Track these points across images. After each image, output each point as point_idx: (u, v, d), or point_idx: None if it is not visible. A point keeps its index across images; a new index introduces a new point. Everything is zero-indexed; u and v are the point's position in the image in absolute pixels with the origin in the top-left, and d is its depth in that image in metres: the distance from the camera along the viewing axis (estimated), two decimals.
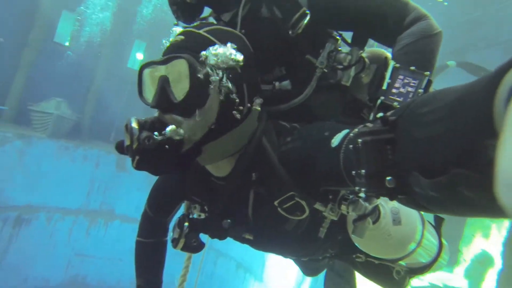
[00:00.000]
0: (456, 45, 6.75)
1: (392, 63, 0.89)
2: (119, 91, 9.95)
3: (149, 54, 11.01)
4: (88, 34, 9.89)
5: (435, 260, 0.98)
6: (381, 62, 1.01)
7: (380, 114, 0.59)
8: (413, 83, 0.84)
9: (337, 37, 1.03)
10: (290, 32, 0.97)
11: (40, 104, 8.31)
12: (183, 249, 0.99)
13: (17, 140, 7.57)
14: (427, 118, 0.43)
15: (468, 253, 5.60)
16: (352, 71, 0.99)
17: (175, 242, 0.97)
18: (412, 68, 0.85)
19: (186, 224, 0.96)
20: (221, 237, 1.05)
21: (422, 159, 0.43)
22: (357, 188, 0.56)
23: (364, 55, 1.02)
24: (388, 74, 0.88)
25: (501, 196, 0.24)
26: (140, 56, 11.70)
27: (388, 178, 0.48)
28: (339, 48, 1.00)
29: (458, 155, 0.37)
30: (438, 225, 0.97)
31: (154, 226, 1.30)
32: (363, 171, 0.52)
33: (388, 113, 0.53)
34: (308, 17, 0.95)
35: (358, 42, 1.01)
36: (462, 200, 0.38)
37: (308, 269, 1.54)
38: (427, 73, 0.84)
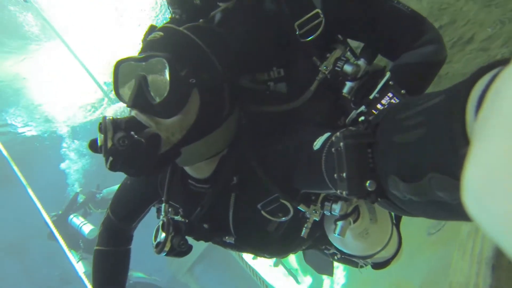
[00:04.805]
0: None
1: (388, 75, 0.84)
2: None
3: None
4: None
5: (396, 254, 1.02)
6: (378, 69, 0.93)
7: (362, 118, 0.56)
8: None
9: (346, 43, 0.94)
10: (296, 32, 0.85)
11: None
12: (168, 253, 0.92)
13: None
14: (406, 123, 0.43)
15: None
16: (356, 84, 0.90)
17: (160, 246, 0.90)
18: (403, 91, 0.81)
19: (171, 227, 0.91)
20: (207, 238, 1.00)
21: (400, 163, 0.43)
22: (338, 191, 0.56)
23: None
24: (379, 85, 0.83)
25: (467, 203, 0.24)
26: None
27: (368, 181, 0.48)
28: (348, 56, 0.91)
29: (434, 160, 0.37)
30: (397, 221, 1.03)
31: (118, 233, 1.17)
32: (345, 174, 0.51)
33: (370, 117, 0.53)
34: (323, 22, 0.85)
35: (367, 55, 0.92)
36: (439, 204, 0.38)
37: None
38: None
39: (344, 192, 0.53)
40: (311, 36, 0.85)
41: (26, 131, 7.56)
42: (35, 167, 7.07)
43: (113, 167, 0.68)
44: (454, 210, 0.36)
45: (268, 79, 0.91)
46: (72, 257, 3.30)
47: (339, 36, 0.94)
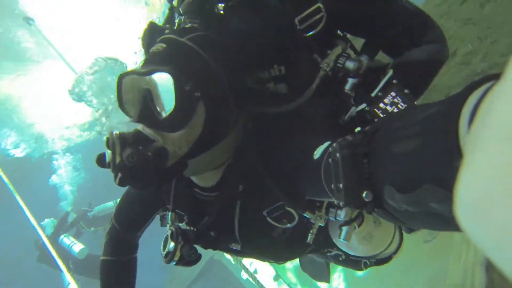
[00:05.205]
0: None
1: (390, 72, 0.81)
2: None
3: None
4: None
5: (397, 249, 1.04)
6: (380, 65, 0.89)
7: (358, 128, 0.56)
8: (401, 105, 0.79)
9: (347, 39, 0.91)
10: (298, 27, 0.82)
11: None
12: (178, 263, 0.91)
13: None
14: (402, 134, 0.43)
15: None
16: (358, 80, 0.86)
17: (169, 256, 0.89)
18: (406, 91, 0.79)
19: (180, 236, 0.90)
20: (215, 246, 0.99)
21: (396, 173, 0.43)
22: (336, 201, 0.56)
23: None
24: (382, 83, 0.81)
25: (459, 217, 0.25)
26: None
27: (364, 192, 0.48)
28: (349, 52, 0.88)
29: (429, 171, 0.37)
30: None
31: (123, 242, 1.16)
32: (341, 184, 0.52)
33: (367, 127, 0.54)
34: (324, 17, 0.82)
35: (369, 51, 0.88)
36: (435, 215, 0.38)
37: None
38: (416, 102, 0.80)
39: (341, 203, 0.53)
40: (311, 31, 0.83)
41: (18, 152, 7.43)
42: (26, 184, 6.95)
43: (122, 183, 0.69)
44: (449, 222, 0.35)
45: (269, 78, 0.88)
46: (69, 275, 3.23)
47: (339, 32, 0.91)
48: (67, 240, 4.84)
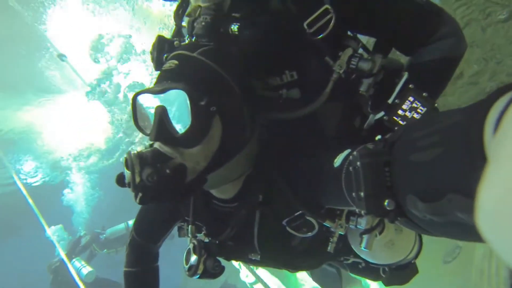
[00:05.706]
0: None
1: (405, 76, 0.79)
2: None
3: None
4: None
5: (417, 255, 1.01)
6: (395, 66, 0.86)
7: (378, 137, 0.55)
8: (421, 109, 0.76)
9: (357, 39, 0.89)
10: (306, 31, 0.80)
11: None
12: (202, 276, 0.91)
13: None
14: (422, 143, 0.43)
15: None
16: (372, 80, 0.83)
17: (193, 269, 0.90)
18: (425, 94, 0.77)
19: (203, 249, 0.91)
20: (235, 257, 1.01)
21: (418, 183, 0.43)
22: (357, 209, 0.57)
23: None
24: (398, 87, 0.78)
25: (480, 224, 0.24)
26: None
27: (386, 201, 0.48)
28: (361, 52, 0.85)
29: (453, 180, 0.36)
30: None
31: (144, 253, 1.19)
32: (362, 193, 0.52)
33: (387, 135, 0.54)
34: (333, 19, 0.79)
35: (382, 50, 0.85)
36: (460, 225, 0.37)
37: None
38: (436, 105, 0.77)
39: (362, 211, 0.53)
40: (321, 34, 0.80)
41: (36, 181, 7.61)
42: (41, 205, 7.12)
43: (142, 202, 0.69)
44: (475, 231, 0.33)
45: (282, 84, 0.86)
46: None
47: (349, 33, 0.89)
48: (77, 263, 4.89)
